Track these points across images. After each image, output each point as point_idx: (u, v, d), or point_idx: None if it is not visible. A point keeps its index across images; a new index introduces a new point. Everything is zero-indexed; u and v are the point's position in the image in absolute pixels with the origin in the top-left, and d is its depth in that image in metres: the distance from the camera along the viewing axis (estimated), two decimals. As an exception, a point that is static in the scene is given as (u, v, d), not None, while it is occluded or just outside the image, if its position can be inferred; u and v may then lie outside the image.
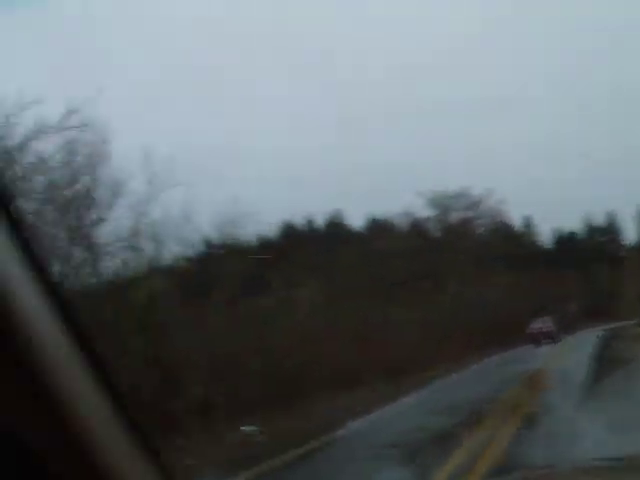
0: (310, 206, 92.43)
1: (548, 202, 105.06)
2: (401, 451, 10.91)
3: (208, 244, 25.38)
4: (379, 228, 57.66)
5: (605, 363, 24.04)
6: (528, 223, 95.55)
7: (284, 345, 22.95)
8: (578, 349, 30.62)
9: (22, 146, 16.14)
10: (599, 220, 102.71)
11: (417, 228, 54.84)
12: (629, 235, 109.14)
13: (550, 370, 21.96)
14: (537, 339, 43.34)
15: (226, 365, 19.18)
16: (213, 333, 20.28)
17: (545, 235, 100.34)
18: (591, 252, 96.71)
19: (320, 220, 78.48)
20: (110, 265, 18.61)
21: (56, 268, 15.52)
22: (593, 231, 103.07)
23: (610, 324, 65.51)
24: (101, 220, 17.92)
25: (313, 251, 51.19)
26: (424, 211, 63.03)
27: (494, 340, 44.55)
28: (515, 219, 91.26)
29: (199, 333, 19.54)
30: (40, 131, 16.34)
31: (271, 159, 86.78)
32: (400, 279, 48.35)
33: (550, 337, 43.67)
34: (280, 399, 18.45)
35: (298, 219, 65.67)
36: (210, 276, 23.63)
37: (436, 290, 50.33)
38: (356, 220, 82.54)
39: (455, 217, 55.47)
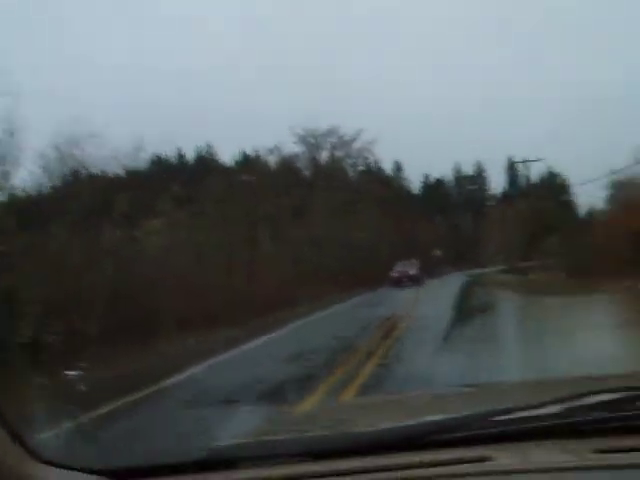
0: (181, 139, 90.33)
1: (418, 148, 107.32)
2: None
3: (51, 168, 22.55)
4: (250, 163, 56.21)
5: (466, 308, 23.70)
6: (398, 168, 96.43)
7: (137, 279, 21.22)
8: (441, 294, 30.37)
9: None
10: (468, 169, 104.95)
11: (287, 165, 53.46)
12: (496, 186, 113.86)
13: (412, 314, 21.33)
14: (401, 282, 42.77)
15: (66, 301, 17.40)
16: (54, 267, 18.35)
17: (414, 181, 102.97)
18: (459, 200, 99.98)
19: (190, 153, 76.93)
20: None
21: None
22: (462, 180, 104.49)
23: (474, 270, 66.93)
24: None
25: (181, 184, 49.58)
26: (294, 148, 62.32)
27: (360, 281, 43.95)
28: (386, 163, 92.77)
29: (37, 267, 17.57)
30: None
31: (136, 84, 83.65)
32: (269, 215, 47.77)
33: (414, 281, 42.49)
34: (126, 339, 16.79)
35: (168, 151, 63.39)
36: (54, 205, 21.55)
37: (304, 228, 49.74)
38: (227, 155, 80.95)
39: (325, 156, 54.44)
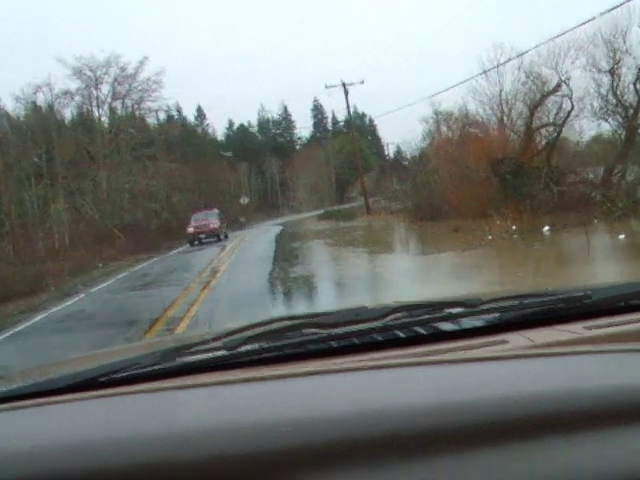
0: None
1: (222, 94, 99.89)
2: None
3: None
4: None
5: (284, 279, 15.25)
6: (200, 114, 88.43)
7: None
8: (250, 255, 21.83)
9: None
10: (274, 112, 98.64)
11: (53, 108, 42.90)
12: (303, 129, 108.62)
13: (198, 308, 12.19)
14: (200, 238, 34.42)
15: None
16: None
17: (219, 127, 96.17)
18: (265, 145, 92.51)
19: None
20: None
21: None
22: (266, 124, 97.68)
23: (285, 217, 59.02)
24: None
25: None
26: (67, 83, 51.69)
27: (153, 238, 35.77)
28: (188, 110, 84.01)
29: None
30: None
31: None
32: (37, 169, 38.74)
33: (215, 235, 34.50)
34: None
35: None
36: None
37: (84, 181, 40.92)
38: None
39: (106, 90, 43.75)
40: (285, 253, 21.06)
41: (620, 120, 20.66)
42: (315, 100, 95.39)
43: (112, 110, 44.89)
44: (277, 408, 1.02)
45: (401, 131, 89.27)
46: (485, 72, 25.04)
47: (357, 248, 20.42)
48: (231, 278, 15.76)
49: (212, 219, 35.35)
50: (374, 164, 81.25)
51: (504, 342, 1.35)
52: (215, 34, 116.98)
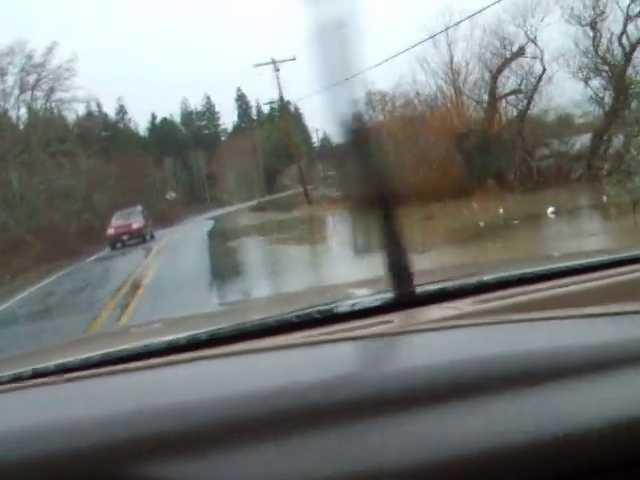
0: None
1: (144, 85, 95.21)
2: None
3: None
4: None
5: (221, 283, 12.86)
6: (121, 109, 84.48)
7: None
8: (178, 259, 18.02)
9: None
10: (197, 104, 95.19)
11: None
12: (228, 119, 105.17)
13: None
14: (121, 240, 29.98)
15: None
16: None
17: (141, 121, 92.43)
18: (189, 138, 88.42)
19: None
20: None
21: None
22: (190, 116, 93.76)
23: (217, 211, 54.80)
24: None
25: None
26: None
27: (70, 243, 31.61)
28: (108, 107, 79.55)
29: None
30: None
31: None
32: None
33: (140, 236, 30.28)
34: None
35: None
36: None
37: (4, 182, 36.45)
38: None
39: (12, 81, 38.89)
40: (222, 257, 17.28)
41: (604, 82, 17.48)
42: (239, 90, 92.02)
43: (22, 103, 40.03)
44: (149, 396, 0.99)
45: (328, 116, 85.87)
46: (433, 37, 21.68)
47: (316, 247, 16.87)
48: (157, 295, 12.04)
49: (135, 218, 31.11)
50: (304, 151, 79.22)
51: (389, 322, 1.39)
52: (133, 26, 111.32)
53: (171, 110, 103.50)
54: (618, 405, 0.90)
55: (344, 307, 1.48)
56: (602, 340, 1.03)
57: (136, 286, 13.89)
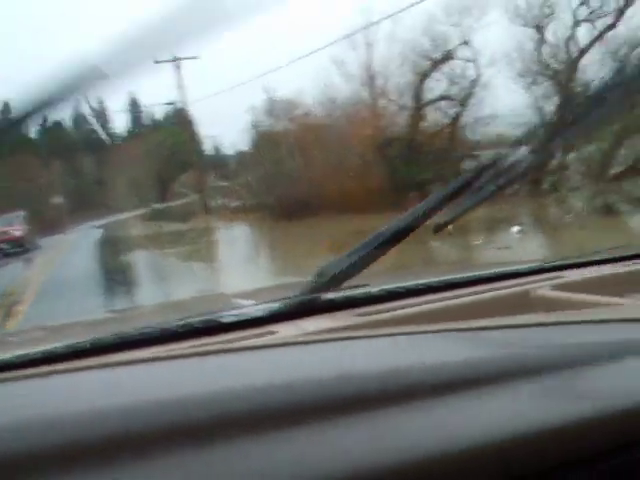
0: None
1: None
2: None
3: None
4: None
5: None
6: (7, 109, 77.49)
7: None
8: (66, 273, 15.57)
9: None
10: (85, 106, 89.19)
11: None
12: (120, 123, 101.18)
13: None
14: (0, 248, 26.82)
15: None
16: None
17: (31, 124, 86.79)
18: (79, 141, 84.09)
19: None
20: None
21: None
22: (82, 118, 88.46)
23: (107, 219, 51.42)
24: None
25: None
26: None
27: None
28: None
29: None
30: None
31: None
32: None
33: (20, 245, 26.83)
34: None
35: None
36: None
37: None
38: None
39: None
40: (114, 273, 14.90)
41: (548, 89, 16.14)
42: (131, 93, 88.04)
43: None
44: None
45: (223, 123, 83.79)
46: (349, 36, 20.07)
47: (220, 263, 14.82)
48: (41, 314, 9.91)
49: (16, 225, 27.81)
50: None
51: (272, 332, 1.36)
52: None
53: (61, 113, 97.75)
54: (482, 424, 0.88)
55: (228, 317, 1.44)
56: (465, 356, 1.02)
57: (7, 314, 11.48)
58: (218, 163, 63.82)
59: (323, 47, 21.05)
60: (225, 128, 60.56)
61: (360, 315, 1.42)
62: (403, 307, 1.44)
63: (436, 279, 1.62)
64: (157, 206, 48.51)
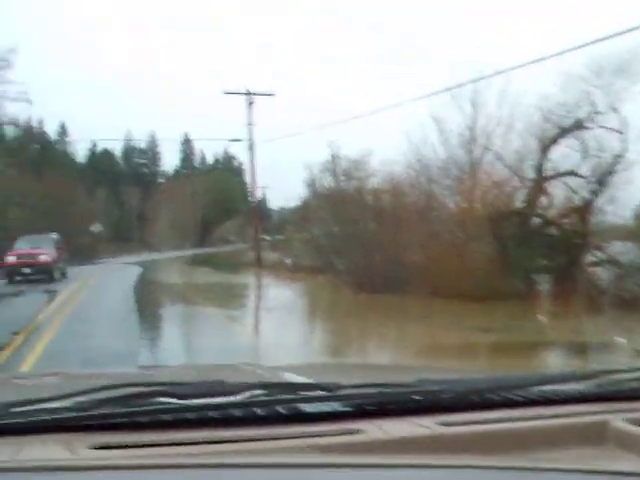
0: None
1: (87, 113, 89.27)
2: None
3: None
4: None
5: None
6: (63, 130, 77.62)
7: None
8: (93, 308, 12.25)
9: None
10: (140, 140, 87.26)
11: None
12: (170, 161, 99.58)
13: None
14: (22, 272, 23.20)
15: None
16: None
17: (81, 148, 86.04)
18: (127, 173, 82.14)
19: None
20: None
21: None
22: (132, 151, 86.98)
23: (143, 255, 48.24)
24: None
25: None
26: None
27: None
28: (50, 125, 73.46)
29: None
30: None
31: None
32: None
33: (47, 272, 23.47)
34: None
35: None
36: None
37: None
38: None
39: None
40: (154, 336, 11.39)
41: None
42: (185, 135, 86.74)
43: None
44: None
45: (271, 176, 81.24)
46: (450, 89, 16.94)
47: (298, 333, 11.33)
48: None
49: (45, 248, 24.40)
50: (242, 208, 75.01)
51: (360, 431, 1.33)
52: (84, 48, 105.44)
53: (114, 142, 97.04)
54: None
55: (309, 408, 1.39)
56: None
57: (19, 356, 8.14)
58: (265, 215, 60.93)
59: (419, 98, 17.91)
60: (283, 179, 57.35)
61: (440, 424, 1.35)
62: (476, 422, 1.37)
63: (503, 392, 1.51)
64: (199, 251, 45.31)
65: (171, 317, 14.56)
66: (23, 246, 24.68)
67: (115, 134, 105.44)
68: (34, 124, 67.98)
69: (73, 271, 26.68)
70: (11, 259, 23.73)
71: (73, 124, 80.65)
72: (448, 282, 13.43)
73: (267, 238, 43.65)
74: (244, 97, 31.65)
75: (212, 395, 1.38)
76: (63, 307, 14.58)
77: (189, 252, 44.95)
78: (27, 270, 23.28)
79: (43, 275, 23.28)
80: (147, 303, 16.76)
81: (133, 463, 1.10)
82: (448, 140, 17.95)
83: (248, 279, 24.16)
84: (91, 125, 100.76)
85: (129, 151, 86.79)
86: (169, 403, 1.34)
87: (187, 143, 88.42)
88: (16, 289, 19.90)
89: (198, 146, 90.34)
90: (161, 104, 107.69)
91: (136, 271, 28.38)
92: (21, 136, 52.01)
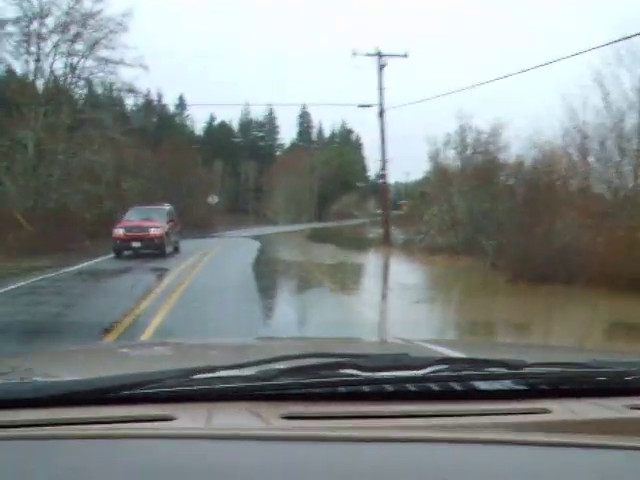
0: None
1: (205, 86, 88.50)
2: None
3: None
4: None
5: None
6: (181, 103, 75.72)
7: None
8: (209, 291, 9.67)
9: None
10: (258, 114, 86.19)
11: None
12: (287, 134, 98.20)
13: None
14: (131, 246, 20.67)
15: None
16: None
17: (198, 120, 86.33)
18: (244, 146, 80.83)
19: None
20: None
21: None
22: (249, 124, 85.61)
23: (260, 228, 45.88)
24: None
25: None
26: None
27: (74, 236, 23.49)
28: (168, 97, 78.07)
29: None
30: None
31: None
32: None
33: (157, 246, 20.91)
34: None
35: None
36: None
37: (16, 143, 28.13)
38: None
39: (47, 47, 30.81)
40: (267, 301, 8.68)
41: None
42: (303, 107, 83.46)
43: (59, 55, 31.68)
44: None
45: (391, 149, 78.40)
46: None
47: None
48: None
49: (157, 220, 21.85)
50: (361, 183, 72.50)
51: (548, 411, 1.28)
52: (204, 22, 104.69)
53: (231, 114, 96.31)
54: None
55: (489, 385, 1.35)
56: None
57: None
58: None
59: (579, 53, 14.24)
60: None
61: (628, 407, 1.29)
62: None
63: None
64: (318, 225, 42.73)
65: (303, 307, 11.62)
66: (133, 218, 22.32)
67: (233, 107, 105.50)
68: (153, 97, 68.79)
69: (187, 245, 24.30)
70: (119, 232, 21.28)
71: (191, 97, 79.55)
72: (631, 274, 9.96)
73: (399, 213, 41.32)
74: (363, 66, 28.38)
75: (394, 369, 1.33)
76: (171, 290, 11.93)
77: (306, 226, 42.41)
78: (136, 244, 20.71)
79: (154, 250, 20.79)
80: (271, 287, 13.95)
81: (327, 435, 1.07)
82: (613, 105, 14.39)
83: (379, 259, 20.95)
84: (209, 97, 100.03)
85: (246, 124, 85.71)
86: (350, 375, 1.30)
87: (305, 116, 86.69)
88: (122, 265, 17.49)
89: (316, 119, 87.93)
90: (279, 75, 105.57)
91: (254, 245, 25.73)
92: (139, 107, 51.10)
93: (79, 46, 31.01)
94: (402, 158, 40.11)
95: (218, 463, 0.95)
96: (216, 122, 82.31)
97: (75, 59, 31.47)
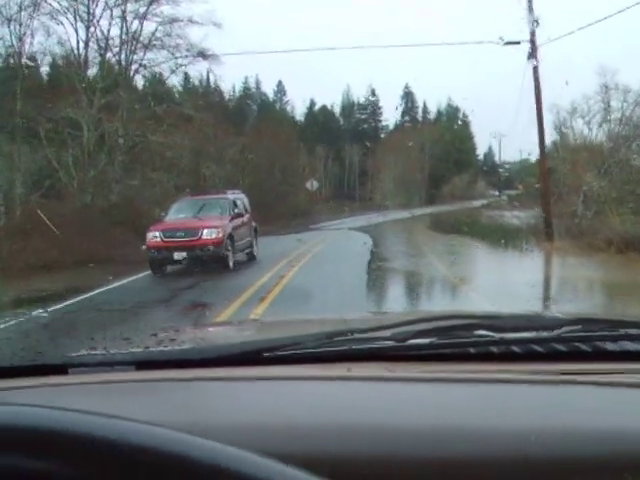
0: None
1: (304, 70, 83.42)
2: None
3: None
4: None
5: None
6: (280, 89, 74.39)
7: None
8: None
9: None
10: (360, 95, 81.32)
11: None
12: (391, 115, 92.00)
13: None
14: (169, 259, 13.65)
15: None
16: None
17: (298, 105, 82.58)
18: (346, 129, 75.24)
19: None
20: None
21: None
22: (351, 107, 79.96)
23: (370, 216, 38.50)
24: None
25: None
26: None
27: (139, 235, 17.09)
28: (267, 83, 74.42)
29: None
30: None
31: None
32: None
33: (214, 257, 13.51)
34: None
35: None
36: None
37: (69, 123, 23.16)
38: None
39: (146, 37, 25.58)
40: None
41: None
42: (406, 87, 77.71)
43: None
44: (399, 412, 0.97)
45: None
46: None
47: None
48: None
49: (214, 218, 14.80)
50: (472, 162, 67.79)
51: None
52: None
53: (332, 98, 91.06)
54: None
55: (629, 345, 1.32)
56: None
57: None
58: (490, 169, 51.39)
59: None
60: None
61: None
62: None
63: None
64: (434, 210, 35.59)
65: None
66: (179, 215, 15.49)
67: (333, 92, 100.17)
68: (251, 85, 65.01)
69: (274, 244, 17.31)
70: (155, 237, 14.31)
71: (290, 83, 74.97)
72: None
73: (496, 194, 37.03)
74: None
75: (527, 329, 1.31)
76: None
77: (421, 211, 35.20)
78: (181, 255, 13.80)
79: (210, 261, 13.68)
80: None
81: (457, 377, 1.09)
82: None
83: (554, 267, 13.41)
84: (308, 83, 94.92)
85: (348, 107, 79.78)
86: (486, 335, 1.29)
87: (409, 95, 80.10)
88: (155, 294, 10.76)
89: (420, 98, 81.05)
90: (380, 56, 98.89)
91: (363, 245, 18.08)
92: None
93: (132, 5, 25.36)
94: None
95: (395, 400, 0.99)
96: (317, 107, 77.65)
97: (130, 20, 25.82)
